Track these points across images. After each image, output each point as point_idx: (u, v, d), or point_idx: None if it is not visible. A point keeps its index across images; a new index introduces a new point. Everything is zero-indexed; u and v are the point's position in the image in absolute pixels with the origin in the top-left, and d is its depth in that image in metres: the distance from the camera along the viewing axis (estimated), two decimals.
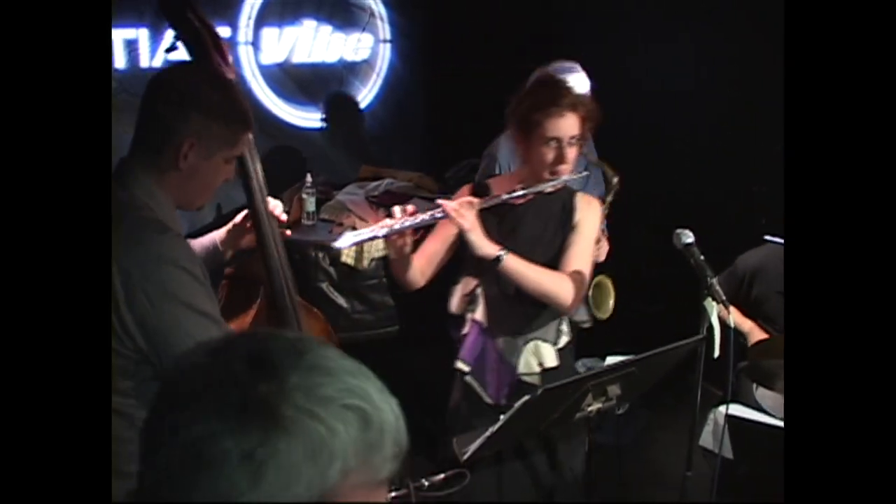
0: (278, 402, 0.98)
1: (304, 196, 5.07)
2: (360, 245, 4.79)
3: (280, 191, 5.13)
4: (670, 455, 4.75)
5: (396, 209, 2.93)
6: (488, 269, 3.03)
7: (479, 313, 3.20)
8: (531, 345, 3.19)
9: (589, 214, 3.19)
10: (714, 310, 2.93)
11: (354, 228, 4.83)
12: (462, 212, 2.91)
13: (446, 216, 2.93)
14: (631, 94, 5.11)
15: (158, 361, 2.19)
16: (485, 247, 2.95)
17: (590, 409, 2.62)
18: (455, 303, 3.26)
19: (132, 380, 2.23)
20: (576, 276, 3.08)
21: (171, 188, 2.31)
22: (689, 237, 2.86)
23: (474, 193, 3.17)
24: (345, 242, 2.96)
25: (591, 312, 4.19)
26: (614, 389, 2.62)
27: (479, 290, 3.21)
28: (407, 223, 2.89)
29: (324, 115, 5.90)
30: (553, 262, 3.11)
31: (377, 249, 4.82)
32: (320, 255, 4.85)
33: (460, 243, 3.09)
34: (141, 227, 2.21)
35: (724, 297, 2.80)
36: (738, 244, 4.10)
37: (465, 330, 3.23)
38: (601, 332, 4.00)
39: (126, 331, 2.15)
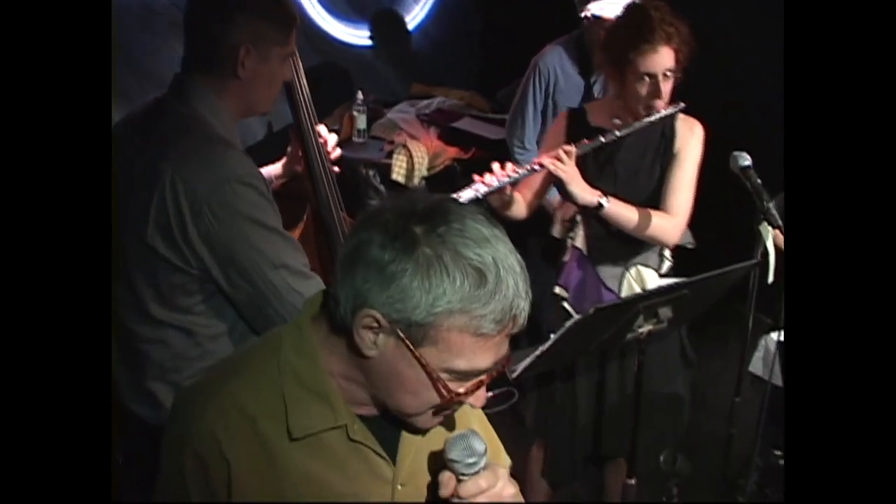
0: (423, 242, 1.30)
1: (355, 113, 5.03)
2: (410, 163, 4.77)
3: (331, 109, 5.10)
4: (719, 382, 4.75)
5: (496, 166, 2.87)
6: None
7: (579, 240, 3.18)
8: (633, 270, 3.16)
9: (691, 140, 3.09)
10: (770, 235, 2.88)
11: (405, 147, 4.82)
12: (560, 164, 2.85)
13: (544, 169, 2.88)
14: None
15: (225, 279, 2.19)
16: (586, 196, 2.90)
17: (640, 330, 2.59)
18: (556, 228, 3.24)
19: (195, 296, 2.25)
20: (678, 210, 3.04)
21: (233, 98, 2.29)
22: (746, 160, 2.79)
23: (569, 121, 3.14)
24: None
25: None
26: (666, 312, 2.59)
27: (578, 217, 3.18)
28: (505, 180, 2.84)
29: (372, 33, 5.82)
30: (654, 192, 3.06)
31: (427, 168, 4.80)
32: (371, 172, 4.84)
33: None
34: (206, 144, 2.20)
35: (780, 222, 2.74)
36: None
37: (566, 257, 3.21)
38: None
39: (192, 248, 2.16)
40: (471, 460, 1.43)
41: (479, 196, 2.84)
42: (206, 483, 1.44)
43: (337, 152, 2.82)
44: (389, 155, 4.89)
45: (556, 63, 4.21)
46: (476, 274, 1.30)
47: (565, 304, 3.22)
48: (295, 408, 1.43)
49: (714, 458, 3.66)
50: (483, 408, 2.62)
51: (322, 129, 2.75)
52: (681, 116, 3.09)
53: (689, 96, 3.00)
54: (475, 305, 1.30)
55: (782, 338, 3.10)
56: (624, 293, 3.13)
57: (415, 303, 1.30)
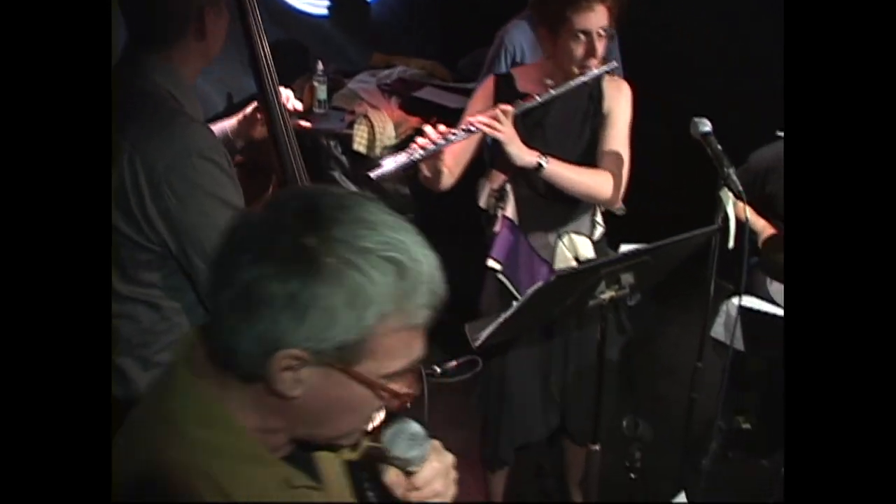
0: (321, 252, 1.12)
1: (315, 84, 4.99)
2: (371, 133, 4.75)
3: (291, 80, 5.06)
4: (680, 348, 4.80)
5: (428, 129, 2.84)
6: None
7: (509, 210, 3.14)
8: (566, 238, 3.14)
9: (620, 99, 3.08)
10: (730, 201, 2.89)
11: (367, 117, 4.79)
12: (498, 125, 2.82)
13: (480, 130, 2.85)
14: None
15: (184, 257, 2.16)
16: (524, 156, 2.86)
17: (603, 296, 2.60)
18: (484, 198, 3.20)
19: (159, 272, 2.22)
20: (614, 168, 3.02)
21: (195, 60, 2.27)
22: (706, 125, 2.79)
23: (497, 86, 3.10)
24: (387, 168, 2.82)
25: None
26: (627, 278, 2.60)
27: (508, 187, 3.14)
28: (441, 142, 2.81)
29: (330, 2, 5.75)
30: (584, 154, 3.05)
31: (388, 138, 4.78)
32: (332, 143, 4.81)
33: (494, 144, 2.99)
34: (166, 118, 2.16)
35: (740, 188, 2.76)
36: (751, 141, 4.02)
37: (497, 227, 3.17)
38: (613, 224, 3.98)
39: (151, 225, 2.12)
40: (418, 451, 1.37)
41: (415, 160, 2.81)
42: None
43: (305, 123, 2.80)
44: (351, 125, 4.86)
45: (521, 38, 4.19)
46: (392, 265, 1.15)
47: (500, 277, 3.18)
48: (230, 483, 1.22)
49: (677, 424, 3.71)
50: (448, 376, 2.64)
51: (289, 93, 2.71)
52: (607, 77, 3.08)
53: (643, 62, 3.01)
54: (405, 300, 1.16)
55: (744, 302, 3.13)
56: (557, 262, 3.12)
57: (342, 325, 1.13)
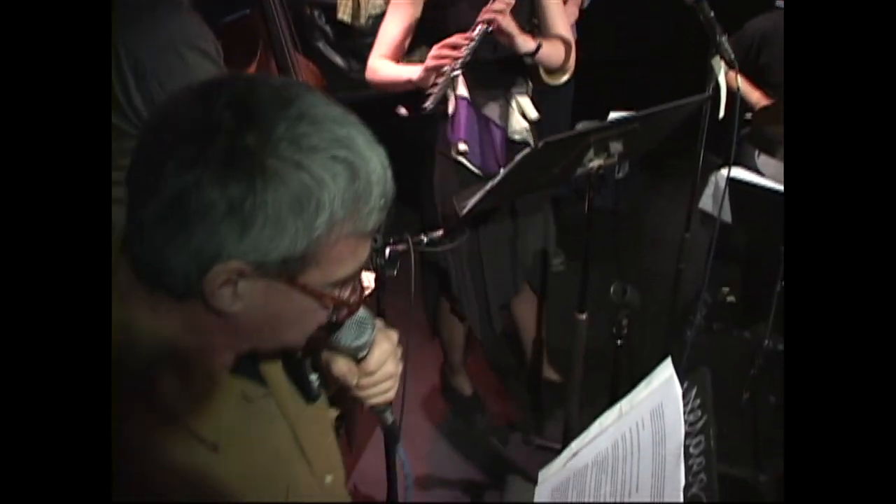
0: (264, 154, 0.98)
1: None
2: (356, 1, 4.65)
3: None
4: (668, 220, 4.81)
5: (454, 41, 2.84)
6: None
7: (461, 88, 3.08)
8: (514, 102, 3.15)
9: None
10: (721, 69, 2.85)
11: None
12: (506, 19, 2.83)
13: (493, 27, 2.83)
14: None
15: None
16: (529, 43, 2.91)
17: (591, 164, 2.57)
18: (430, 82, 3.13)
19: None
20: (567, 34, 3.11)
21: None
22: None
23: None
24: (435, 99, 2.91)
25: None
26: (616, 146, 2.56)
27: (447, 68, 3.01)
28: (467, 51, 2.83)
29: None
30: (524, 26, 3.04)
31: (374, 6, 4.68)
32: (316, 13, 4.71)
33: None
34: (148, 7, 2.09)
35: (732, 56, 2.71)
36: (747, 10, 3.95)
37: (450, 110, 3.11)
38: (604, 93, 3.93)
39: (137, 114, 2.08)
40: (366, 336, 1.33)
41: (456, 76, 2.89)
42: None
43: None
44: None
45: None
46: (342, 165, 1.02)
47: (461, 159, 3.17)
48: (192, 415, 1.14)
49: (662, 296, 3.74)
50: (436, 245, 2.63)
51: None
52: None
53: None
54: (359, 204, 1.04)
55: (733, 174, 3.10)
56: (514, 126, 3.16)
57: (290, 235, 1.01)
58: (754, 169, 3.75)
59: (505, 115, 3.15)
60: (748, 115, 3.76)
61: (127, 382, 1.07)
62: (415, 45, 3.16)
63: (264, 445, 1.26)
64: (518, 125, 3.15)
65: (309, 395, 1.37)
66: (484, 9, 2.82)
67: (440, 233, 2.62)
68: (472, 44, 2.81)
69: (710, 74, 2.81)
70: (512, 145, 3.15)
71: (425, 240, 2.56)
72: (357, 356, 1.34)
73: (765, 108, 3.66)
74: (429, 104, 2.89)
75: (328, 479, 1.42)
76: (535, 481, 1.83)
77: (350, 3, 4.66)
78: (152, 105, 2.07)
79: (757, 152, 3.88)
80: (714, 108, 2.88)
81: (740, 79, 2.94)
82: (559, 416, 3.59)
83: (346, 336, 1.31)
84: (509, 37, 2.86)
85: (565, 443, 1.93)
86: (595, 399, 3.00)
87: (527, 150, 2.41)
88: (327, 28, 4.70)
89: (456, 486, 3.47)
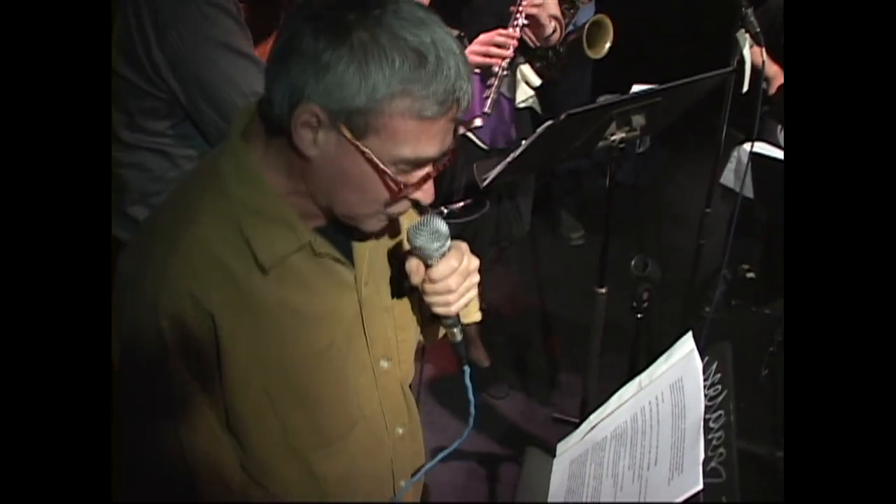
0: (357, 27, 1.23)
1: None
2: None
3: None
4: (689, 195, 4.79)
5: (500, 40, 2.88)
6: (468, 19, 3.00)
7: None
8: (518, 72, 3.17)
9: None
10: (746, 42, 2.83)
11: None
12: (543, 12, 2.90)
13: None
14: None
15: (193, 106, 2.12)
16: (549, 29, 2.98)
17: (613, 138, 2.55)
18: None
19: (167, 119, 2.18)
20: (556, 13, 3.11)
21: None
22: None
23: None
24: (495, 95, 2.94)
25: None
26: (639, 119, 2.55)
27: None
28: (512, 46, 2.88)
29: None
30: None
31: None
32: None
33: None
34: None
35: (758, 29, 2.69)
36: None
37: None
38: (626, 66, 3.89)
39: (158, 73, 2.07)
40: (437, 244, 1.44)
41: (506, 74, 2.92)
42: (188, 343, 1.38)
43: None
44: None
45: None
46: (415, 55, 1.24)
47: (470, 135, 3.18)
48: (258, 240, 1.39)
49: (683, 270, 3.73)
50: (455, 217, 2.63)
51: None
52: None
53: None
54: (417, 86, 1.25)
55: (754, 148, 3.08)
56: (520, 96, 3.20)
57: (354, 90, 1.24)
58: (776, 144, 3.72)
59: (512, 86, 3.17)
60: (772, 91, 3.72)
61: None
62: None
63: (322, 297, 1.48)
64: (524, 94, 3.20)
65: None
66: (525, 3, 2.86)
67: (460, 204, 2.63)
68: (512, 46, 2.86)
69: (735, 48, 2.79)
70: (520, 114, 3.20)
71: (445, 212, 2.56)
72: (426, 262, 1.46)
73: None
74: (488, 109, 2.93)
75: (399, 430, 1.70)
76: (553, 453, 1.83)
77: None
78: (174, 66, 2.07)
79: (779, 127, 3.85)
80: (738, 82, 2.86)
81: (763, 52, 2.91)
82: (577, 389, 3.59)
83: (419, 238, 1.44)
84: (542, 28, 2.90)
85: (583, 416, 1.93)
86: (613, 374, 3.00)
87: (549, 122, 2.39)
88: None
89: (473, 457, 3.48)
